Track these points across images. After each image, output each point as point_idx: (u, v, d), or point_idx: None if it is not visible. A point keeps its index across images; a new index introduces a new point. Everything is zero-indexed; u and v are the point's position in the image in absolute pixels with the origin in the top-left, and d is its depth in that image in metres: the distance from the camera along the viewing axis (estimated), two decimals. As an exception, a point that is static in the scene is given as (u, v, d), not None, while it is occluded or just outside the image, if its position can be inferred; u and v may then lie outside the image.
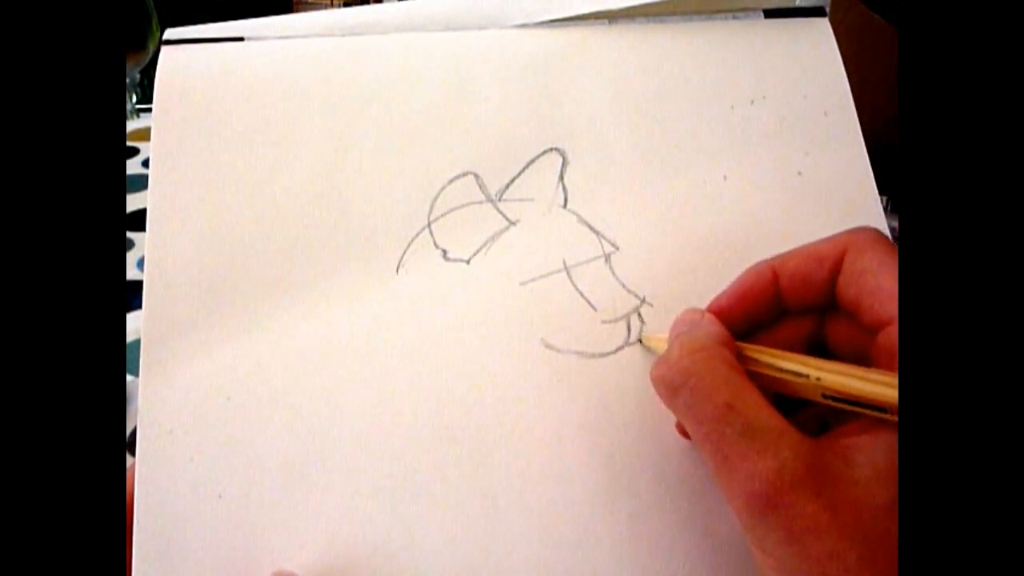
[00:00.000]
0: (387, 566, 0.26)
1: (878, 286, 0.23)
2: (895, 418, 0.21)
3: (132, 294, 0.29)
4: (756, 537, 0.21)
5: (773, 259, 0.26)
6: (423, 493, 0.27)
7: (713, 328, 0.25)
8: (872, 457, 0.20)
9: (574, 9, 0.32)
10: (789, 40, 0.32)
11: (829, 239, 0.25)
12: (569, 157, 0.31)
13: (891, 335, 0.22)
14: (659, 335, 0.28)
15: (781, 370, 0.23)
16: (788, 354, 0.24)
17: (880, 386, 0.21)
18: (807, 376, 0.23)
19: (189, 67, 0.31)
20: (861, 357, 0.24)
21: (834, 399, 0.22)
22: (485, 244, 0.30)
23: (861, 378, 0.22)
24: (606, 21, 0.32)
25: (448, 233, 0.30)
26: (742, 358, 0.24)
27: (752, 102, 0.31)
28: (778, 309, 0.26)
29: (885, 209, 0.30)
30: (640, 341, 0.29)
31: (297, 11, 0.33)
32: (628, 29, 0.32)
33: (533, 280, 0.29)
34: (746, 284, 0.26)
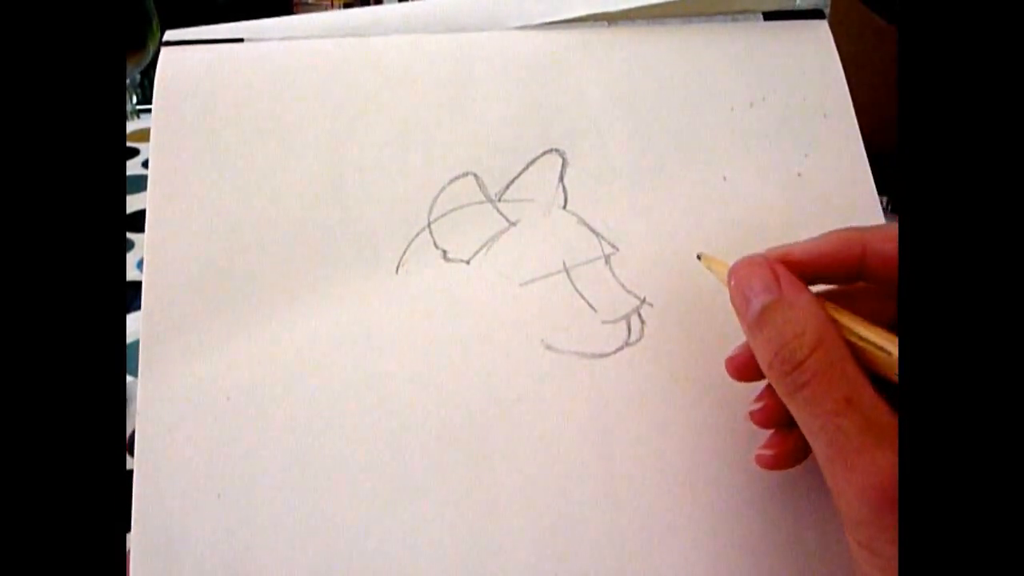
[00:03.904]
0: (386, 566, 0.26)
1: None
2: None
3: (132, 294, 0.29)
4: (866, 535, 0.21)
5: (863, 229, 0.25)
6: (423, 494, 0.27)
7: (821, 312, 0.23)
8: None
9: (574, 11, 0.32)
10: (788, 42, 0.32)
11: None
12: (569, 158, 0.31)
13: None
14: (721, 259, 0.27)
15: (861, 338, 0.22)
16: (873, 326, 0.23)
17: None
18: (888, 352, 0.22)
19: (189, 68, 0.31)
20: None
21: None
22: (485, 244, 0.30)
23: None
24: (605, 23, 0.32)
25: (448, 233, 0.30)
26: None
27: (752, 104, 0.31)
28: (852, 280, 0.25)
29: (885, 210, 0.30)
30: (698, 257, 0.28)
31: (297, 12, 0.33)
32: (628, 31, 0.32)
33: (533, 281, 0.29)
34: (829, 246, 0.25)
